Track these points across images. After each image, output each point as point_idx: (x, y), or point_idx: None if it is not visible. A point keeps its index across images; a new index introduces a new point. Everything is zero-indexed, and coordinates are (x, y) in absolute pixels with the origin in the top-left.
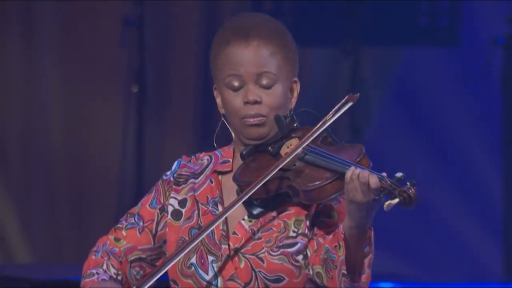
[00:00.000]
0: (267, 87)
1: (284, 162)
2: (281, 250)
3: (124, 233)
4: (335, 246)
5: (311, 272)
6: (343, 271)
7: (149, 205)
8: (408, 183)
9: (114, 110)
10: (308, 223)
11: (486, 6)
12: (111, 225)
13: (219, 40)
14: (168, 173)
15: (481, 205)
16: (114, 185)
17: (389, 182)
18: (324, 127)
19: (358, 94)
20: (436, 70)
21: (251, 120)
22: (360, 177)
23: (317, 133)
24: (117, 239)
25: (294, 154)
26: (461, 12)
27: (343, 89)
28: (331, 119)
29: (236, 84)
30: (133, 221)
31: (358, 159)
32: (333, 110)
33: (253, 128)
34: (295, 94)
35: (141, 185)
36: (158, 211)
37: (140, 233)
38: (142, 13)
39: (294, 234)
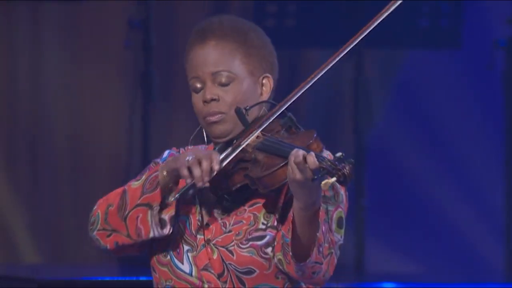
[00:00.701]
0: (225, 85)
1: (241, 147)
2: (250, 242)
3: None
4: (288, 229)
5: (275, 260)
6: (290, 253)
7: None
8: (344, 162)
9: (120, 112)
10: (277, 215)
11: (488, 7)
12: None
13: (187, 46)
14: (158, 159)
15: (484, 205)
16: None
17: (328, 163)
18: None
19: None
20: (438, 72)
21: (211, 118)
22: (295, 156)
23: (274, 115)
24: None
25: (249, 139)
26: (463, 13)
27: (346, 90)
28: (377, 20)
29: (198, 85)
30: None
31: (309, 143)
32: (381, 12)
33: (214, 126)
34: (267, 89)
35: None
36: None
37: None
38: (147, 14)
39: (264, 227)
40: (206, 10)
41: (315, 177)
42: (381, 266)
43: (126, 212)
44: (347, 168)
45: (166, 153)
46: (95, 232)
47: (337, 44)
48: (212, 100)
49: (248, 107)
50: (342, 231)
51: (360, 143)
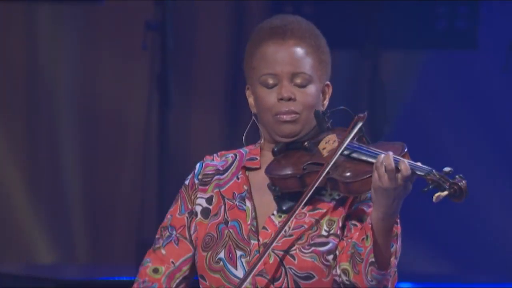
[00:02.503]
0: (302, 86)
1: (335, 158)
2: (313, 248)
3: (163, 251)
4: (363, 238)
5: (338, 271)
6: (371, 259)
7: (178, 214)
8: (457, 176)
9: (137, 114)
10: (340, 223)
11: (504, 9)
12: (133, 231)
13: (255, 39)
14: (189, 177)
15: (498, 204)
16: (136, 191)
17: (437, 176)
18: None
19: (366, 113)
20: (454, 73)
21: (285, 116)
22: (387, 163)
23: (355, 129)
24: (155, 271)
25: (340, 150)
26: (479, 15)
27: (362, 91)
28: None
29: (271, 81)
30: (167, 234)
31: (401, 155)
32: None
33: (286, 125)
34: (327, 97)
35: (162, 195)
36: (187, 215)
37: (177, 244)
38: (165, 16)
39: (326, 234)
40: (223, 12)
41: (425, 189)
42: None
43: None
44: (463, 182)
45: (198, 166)
46: None
47: (352, 46)
48: (290, 99)
49: (328, 113)
50: None
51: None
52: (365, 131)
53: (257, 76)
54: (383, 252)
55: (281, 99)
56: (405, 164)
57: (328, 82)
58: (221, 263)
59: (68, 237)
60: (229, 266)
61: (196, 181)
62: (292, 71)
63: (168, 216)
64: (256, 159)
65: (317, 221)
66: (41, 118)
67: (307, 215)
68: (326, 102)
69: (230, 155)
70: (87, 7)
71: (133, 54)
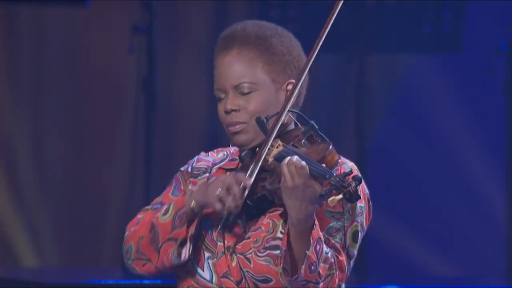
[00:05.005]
0: (246, 94)
1: (260, 161)
2: (268, 251)
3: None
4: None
5: (279, 273)
6: (284, 265)
7: (171, 194)
8: (350, 180)
9: (123, 117)
10: None
11: (490, 13)
12: (120, 234)
13: (213, 53)
14: (186, 165)
15: (484, 207)
16: (124, 194)
17: (337, 179)
18: (286, 110)
19: None
20: (439, 76)
21: (231, 128)
22: (288, 163)
23: (277, 127)
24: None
25: (266, 149)
26: (465, 19)
27: (348, 95)
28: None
29: (221, 95)
30: (158, 206)
31: (324, 155)
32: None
33: (236, 136)
34: (291, 95)
35: (149, 198)
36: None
37: None
38: (151, 20)
39: (281, 235)
40: (210, 15)
41: (323, 193)
42: (382, 269)
43: (160, 245)
44: (353, 185)
45: (195, 159)
46: (130, 261)
47: (338, 50)
48: (233, 110)
49: (269, 116)
50: (357, 245)
51: (362, 147)
52: (352, 135)
53: (214, 90)
54: (296, 257)
55: (226, 111)
56: (301, 163)
57: (292, 80)
58: (190, 263)
59: (53, 240)
60: (197, 267)
61: (190, 171)
62: (234, 84)
63: (160, 196)
64: (236, 160)
65: (274, 223)
66: (25, 122)
67: (267, 216)
68: (292, 100)
69: (222, 153)
70: (72, 10)
71: (119, 57)
